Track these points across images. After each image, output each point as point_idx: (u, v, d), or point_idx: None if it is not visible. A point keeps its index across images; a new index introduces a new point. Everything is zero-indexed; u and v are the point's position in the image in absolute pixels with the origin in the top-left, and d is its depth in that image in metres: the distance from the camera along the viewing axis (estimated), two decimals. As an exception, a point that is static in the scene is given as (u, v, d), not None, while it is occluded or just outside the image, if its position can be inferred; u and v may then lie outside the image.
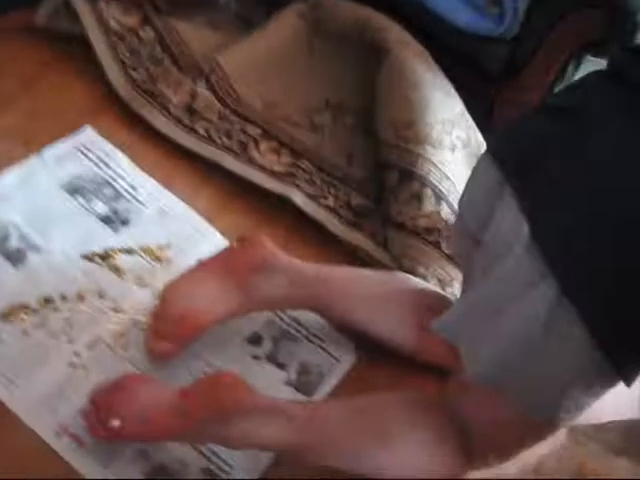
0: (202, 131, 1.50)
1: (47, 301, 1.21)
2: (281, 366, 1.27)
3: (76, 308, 1.22)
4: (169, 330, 1.18)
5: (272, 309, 1.30)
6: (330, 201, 1.47)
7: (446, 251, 1.43)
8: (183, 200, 1.42)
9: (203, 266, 1.23)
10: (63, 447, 1.10)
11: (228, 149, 1.49)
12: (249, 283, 1.20)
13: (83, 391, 1.13)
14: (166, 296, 1.21)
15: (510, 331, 0.93)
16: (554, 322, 0.87)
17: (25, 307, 1.20)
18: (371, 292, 1.27)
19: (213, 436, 1.08)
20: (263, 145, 1.51)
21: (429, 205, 1.43)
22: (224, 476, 1.13)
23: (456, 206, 1.46)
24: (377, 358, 1.32)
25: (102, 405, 1.07)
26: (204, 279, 1.21)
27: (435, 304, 1.28)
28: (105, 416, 1.05)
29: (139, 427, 1.05)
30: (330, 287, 1.24)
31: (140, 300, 1.26)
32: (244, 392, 1.06)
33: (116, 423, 1.05)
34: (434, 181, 1.45)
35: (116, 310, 1.24)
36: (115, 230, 1.34)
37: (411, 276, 1.36)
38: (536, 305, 0.88)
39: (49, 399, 1.13)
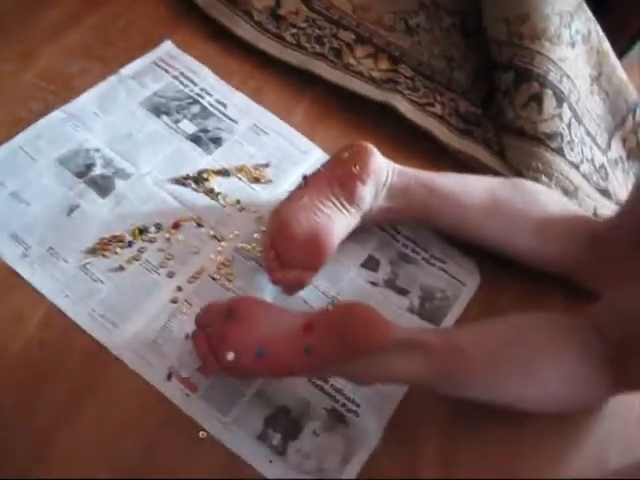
0: (290, 38, 1.30)
1: (141, 232, 1.04)
2: (402, 292, 1.09)
3: (173, 238, 1.05)
4: (297, 257, 1.00)
5: (378, 223, 1.12)
6: (437, 108, 1.27)
7: (569, 158, 1.23)
8: (277, 115, 1.23)
9: (312, 181, 1.05)
10: (175, 393, 0.94)
11: (321, 56, 1.29)
12: (358, 195, 1.03)
13: (186, 326, 0.98)
14: (281, 220, 1.02)
15: None
16: None
17: (118, 240, 1.03)
18: (483, 197, 1.07)
19: (339, 373, 0.92)
20: (358, 50, 1.31)
21: (550, 107, 1.23)
22: (351, 416, 0.97)
23: (576, 107, 1.27)
24: (500, 280, 1.14)
25: (214, 334, 0.90)
26: (317, 196, 1.03)
27: (557, 211, 1.10)
28: (218, 347, 0.89)
29: (256, 362, 0.88)
30: (437, 194, 1.06)
31: (242, 226, 1.09)
32: (379, 327, 0.87)
33: (230, 357, 0.87)
34: (554, 81, 1.24)
35: (217, 238, 1.07)
36: (207, 150, 1.16)
37: (524, 180, 1.17)
38: None
39: (155, 341, 0.96)
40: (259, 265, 1.05)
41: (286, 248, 1.00)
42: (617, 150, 1.34)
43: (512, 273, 1.13)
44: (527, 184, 1.13)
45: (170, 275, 1.02)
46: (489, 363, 0.92)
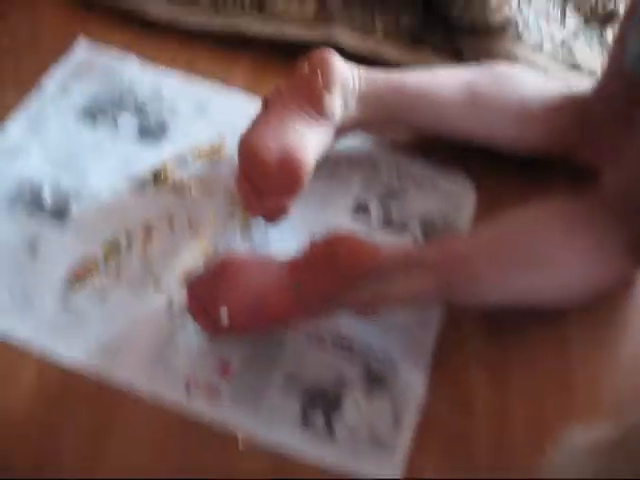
0: (206, 2, 1.19)
1: (113, 248, 0.95)
2: (401, 227, 1.01)
3: (149, 245, 0.96)
4: (274, 182, 0.92)
5: (351, 132, 1.02)
6: (379, 28, 1.17)
7: (530, 42, 1.14)
8: (217, 83, 1.13)
9: (275, 102, 0.96)
10: (198, 404, 0.85)
11: (244, 12, 1.18)
12: (326, 106, 0.95)
13: (191, 332, 0.89)
14: (249, 148, 0.92)
15: None
16: None
17: (92, 263, 0.94)
18: (458, 91, 0.99)
19: (339, 306, 0.86)
20: (281, -5, 1.21)
21: (494, -3, 1.14)
22: (389, 372, 0.89)
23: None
24: (497, 181, 1.06)
25: (204, 298, 0.85)
26: (283, 115, 0.94)
27: (538, 94, 1.02)
28: (210, 310, 0.84)
29: (250, 316, 0.84)
30: (409, 94, 0.99)
31: (217, 211, 1.00)
32: (366, 250, 0.83)
33: (223, 313, 0.83)
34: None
35: (194, 233, 0.98)
36: (155, 143, 1.06)
37: (499, 65, 1.07)
38: None
39: (162, 357, 0.88)
40: (246, 245, 0.97)
41: (260, 175, 0.92)
42: (573, 19, 1.25)
43: (507, 170, 1.05)
44: (503, 69, 1.05)
45: (157, 285, 0.93)
46: (493, 267, 0.86)
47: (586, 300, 0.91)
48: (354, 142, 1.07)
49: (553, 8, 1.22)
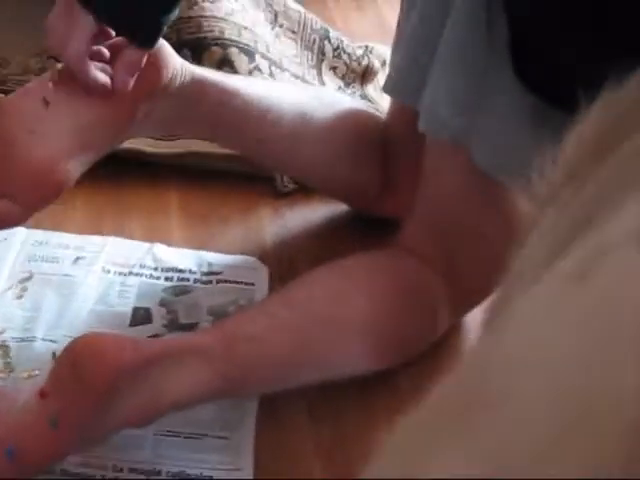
0: None
1: None
2: (190, 327, 0.86)
3: None
4: (14, 183, 0.69)
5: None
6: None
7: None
8: None
9: (65, 80, 0.71)
10: None
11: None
12: (142, 109, 0.74)
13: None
14: (7, 123, 0.70)
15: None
16: None
17: None
18: (292, 116, 0.86)
19: (112, 425, 0.67)
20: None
21: (243, 64, 1.06)
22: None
23: (271, 55, 1.10)
24: (286, 256, 0.96)
25: None
26: (73, 100, 0.71)
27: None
28: None
29: (11, 465, 0.65)
30: (238, 108, 0.81)
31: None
32: (117, 350, 0.65)
33: None
34: (232, 37, 1.07)
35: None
36: None
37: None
38: None
39: None
40: None
41: (6, 169, 0.70)
42: (333, 81, 1.19)
43: (296, 245, 0.97)
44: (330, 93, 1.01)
45: None
46: (281, 346, 0.73)
47: (408, 355, 0.80)
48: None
49: (308, 73, 1.16)
